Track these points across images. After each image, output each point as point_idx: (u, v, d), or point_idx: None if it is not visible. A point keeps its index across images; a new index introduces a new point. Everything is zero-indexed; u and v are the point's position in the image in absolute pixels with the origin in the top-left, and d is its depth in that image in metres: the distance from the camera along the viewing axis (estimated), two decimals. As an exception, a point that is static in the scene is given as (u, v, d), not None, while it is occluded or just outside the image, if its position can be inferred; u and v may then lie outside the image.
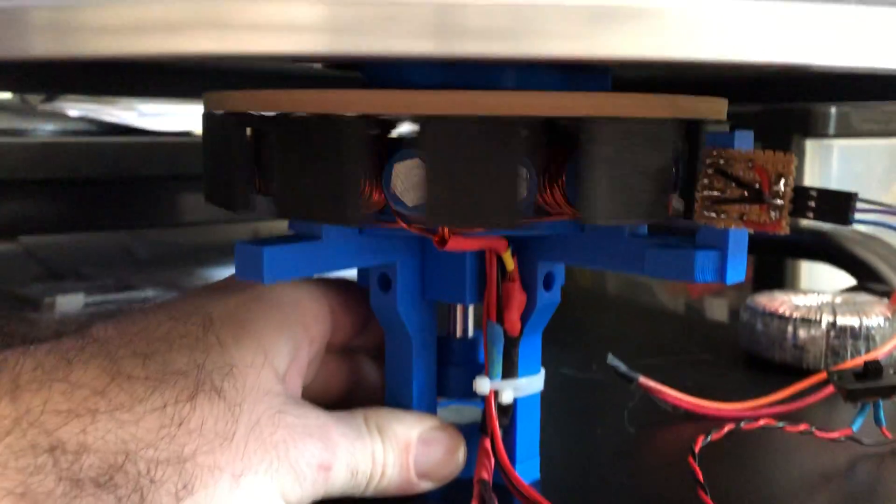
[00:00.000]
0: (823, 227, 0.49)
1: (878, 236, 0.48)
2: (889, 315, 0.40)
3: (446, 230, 0.23)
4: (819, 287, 0.49)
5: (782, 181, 0.20)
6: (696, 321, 0.64)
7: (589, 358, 0.39)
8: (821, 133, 0.58)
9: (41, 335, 0.45)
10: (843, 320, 0.39)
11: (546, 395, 0.28)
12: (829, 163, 0.62)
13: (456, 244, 0.23)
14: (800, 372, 0.39)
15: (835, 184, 0.58)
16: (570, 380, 0.37)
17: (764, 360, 0.41)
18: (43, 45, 0.17)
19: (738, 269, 0.22)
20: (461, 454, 0.26)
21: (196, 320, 0.24)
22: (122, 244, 0.64)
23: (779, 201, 0.20)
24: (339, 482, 0.24)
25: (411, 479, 0.25)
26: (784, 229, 0.20)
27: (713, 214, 0.21)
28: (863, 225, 0.21)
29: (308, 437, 0.24)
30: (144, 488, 0.20)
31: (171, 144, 0.51)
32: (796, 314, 0.40)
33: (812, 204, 0.20)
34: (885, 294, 0.42)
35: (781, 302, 0.41)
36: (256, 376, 0.23)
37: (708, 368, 0.41)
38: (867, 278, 0.46)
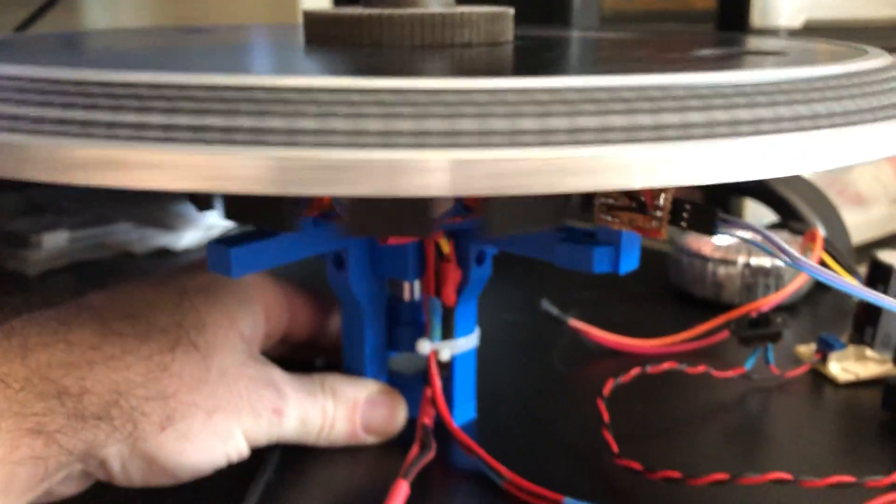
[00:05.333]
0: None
1: (803, 177, 0.52)
2: (800, 253, 0.44)
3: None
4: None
5: (662, 196, 0.24)
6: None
7: (531, 295, 0.44)
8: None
9: (32, 272, 0.49)
10: (755, 261, 0.44)
11: (487, 337, 0.33)
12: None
13: (396, 238, 0.27)
14: (718, 306, 0.44)
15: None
16: (509, 323, 0.42)
17: (688, 295, 0.46)
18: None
19: (630, 261, 0.26)
20: (401, 415, 0.31)
21: (174, 289, 0.28)
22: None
23: (659, 213, 0.24)
24: (290, 428, 0.29)
25: (357, 433, 0.30)
26: (664, 236, 0.25)
27: (608, 218, 0.25)
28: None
29: (265, 386, 0.28)
30: (136, 419, 0.24)
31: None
32: (716, 255, 0.44)
33: (685, 216, 0.24)
34: (801, 232, 0.47)
35: (704, 242, 0.45)
36: (225, 334, 0.28)
37: (638, 302, 0.46)
38: (788, 216, 0.50)
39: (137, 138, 0.17)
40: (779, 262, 0.44)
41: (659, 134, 0.17)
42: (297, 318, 0.32)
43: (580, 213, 0.27)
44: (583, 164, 0.16)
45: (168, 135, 0.16)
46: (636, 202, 0.24)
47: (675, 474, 0.28)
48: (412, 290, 0.32)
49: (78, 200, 0.61)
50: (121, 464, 0.25)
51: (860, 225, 0.95)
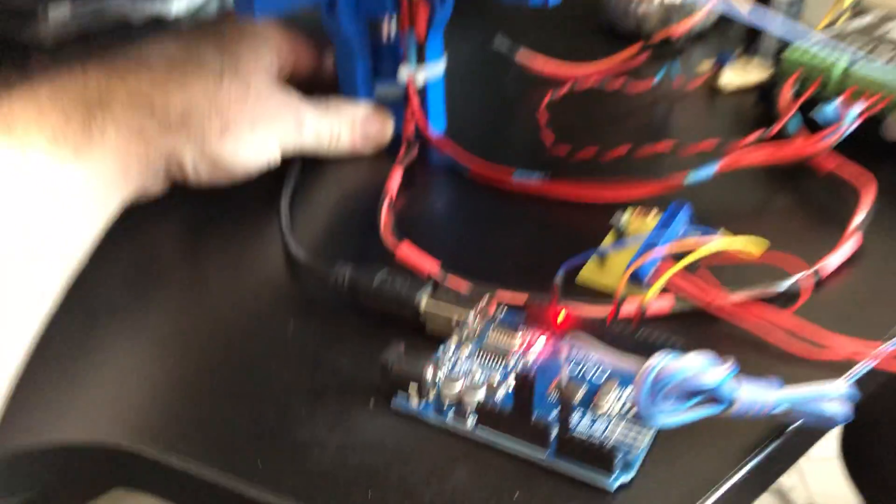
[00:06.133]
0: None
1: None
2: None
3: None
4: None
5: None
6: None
7: (486, 37, 0.52)
8: None
9: (46, 43, 0.55)
10: (671, -3, 0.52)
11: (451, 71, 0.41)
12: None
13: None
14: (640, 38, 0.53)
15: None
16: (469, 60, 0.50)
17: (616, 31, 0.54)
18: None
19: (556, -7, 0.35)
20: (389, 127, 0.40)
21: (213, 34, 0.36)
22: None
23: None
24: (308, 138, 0.38)
25: (356, 143, 0.40)
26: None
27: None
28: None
29: (289, 105, 0.37)
30: (203, 128, 0.33)
31: None
32: (639, -7, 0.52)
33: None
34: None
35: (630, -17, 0.53)
36: (255, 66, 0.36)
37: (575, 39, 0.54)
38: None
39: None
40: (690, -2, 0.52)
41: None
42: (300, 57, 0.40)
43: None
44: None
45: None
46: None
47: (591, 152, 0.38)
48: (390, 27, 0.40)
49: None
50: (193, 165, 0.34)
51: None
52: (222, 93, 0.34)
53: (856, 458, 0.54)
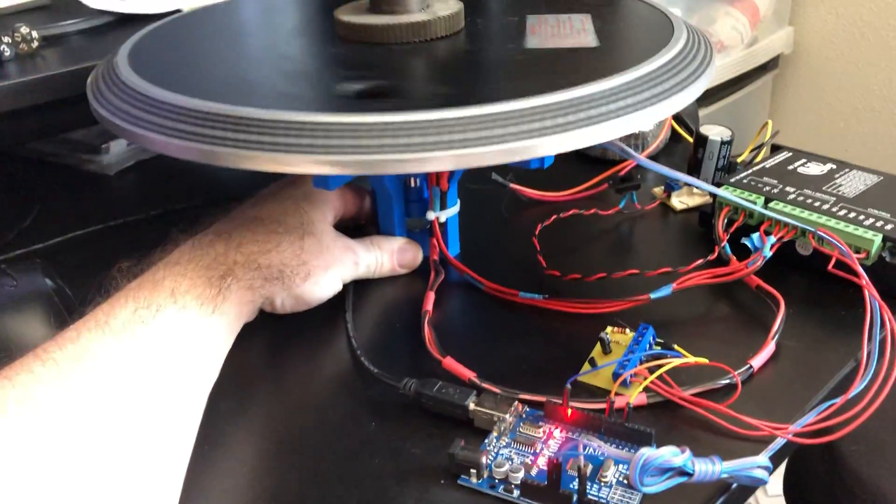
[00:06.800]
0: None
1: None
2: (654, 122, 0.66)
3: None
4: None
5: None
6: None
7: (486, 173, 0.64)
8: None
9: (109, 171, 0.66)
10: (629, 130, 0.65)
11: (462, 201, 0.53)
12: None
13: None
14: (605, 161, 0.65)
15: None
16: (473, 190, 0.62)
17: (585, 155, 0.67)
18: None
19: (549, 161, 0.47)
20: (419, 254, 0.52)
21: (291, 202, 0.48)
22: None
23: (564, 140, 0.45)
24: (361, 271, 0.50)
25: (395, 268, 0.51)
26: (566, 151, 0.45)
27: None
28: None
29: (347, 250, 0.49)
30: (292, 278, 0.44)
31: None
32: (603, 127, 0.65)
33: (578, 141, 0.45)
34: (660, 103, 0.67)
35: (595, 119, 0.66)
36: (322, 224, 0.48)
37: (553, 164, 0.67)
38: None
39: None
40: (644, 128, 0.65)
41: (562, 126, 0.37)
42: (347, 206, 0.52)
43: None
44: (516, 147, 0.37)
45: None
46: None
47: (577, 276, 0.50)
48: (416, 181, 0.52)
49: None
50: (281, 302, 0.45)
51: (723, 67, 1.16)
52: (304, 250, 0.45)
53: (795, 495, 0.66)
